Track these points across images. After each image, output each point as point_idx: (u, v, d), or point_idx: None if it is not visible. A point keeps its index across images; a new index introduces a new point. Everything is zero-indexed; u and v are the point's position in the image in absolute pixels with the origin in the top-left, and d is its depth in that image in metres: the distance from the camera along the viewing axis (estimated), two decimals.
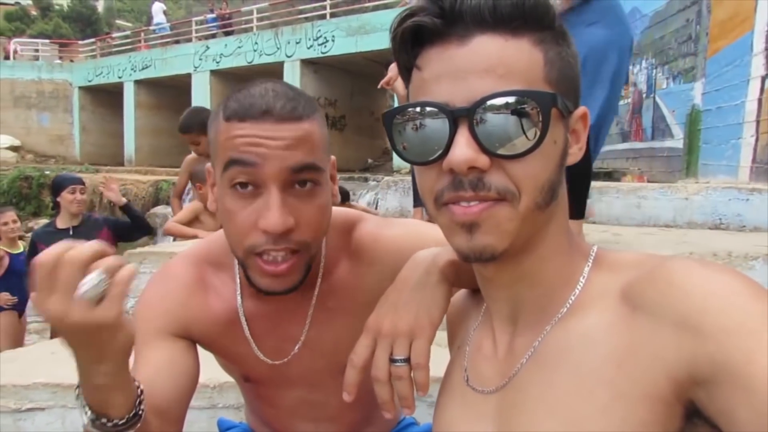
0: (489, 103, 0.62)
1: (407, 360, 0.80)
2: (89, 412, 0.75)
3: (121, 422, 0.76)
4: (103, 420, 0.75)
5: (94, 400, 0.74)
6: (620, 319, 0.63)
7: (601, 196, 3.40)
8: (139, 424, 0.78)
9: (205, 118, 3.71)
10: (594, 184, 3.59)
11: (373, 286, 0.88)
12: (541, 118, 0.63)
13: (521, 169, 0.64)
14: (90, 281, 0.65)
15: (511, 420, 0.68)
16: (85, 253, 0.65)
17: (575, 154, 0.70)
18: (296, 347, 1.05)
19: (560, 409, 0.63)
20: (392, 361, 0.80)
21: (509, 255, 0.67)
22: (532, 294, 0.71)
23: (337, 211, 1.10)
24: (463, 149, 0.63)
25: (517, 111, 0.63)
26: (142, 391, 0.79)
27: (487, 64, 0.63)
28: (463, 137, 0.63)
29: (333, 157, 0.99)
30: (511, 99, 0.63)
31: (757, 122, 4.02)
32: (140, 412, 0.78)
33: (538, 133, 0.63)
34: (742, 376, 0.52)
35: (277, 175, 0.86)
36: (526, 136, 0.63)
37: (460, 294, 0.91)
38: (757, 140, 4.02)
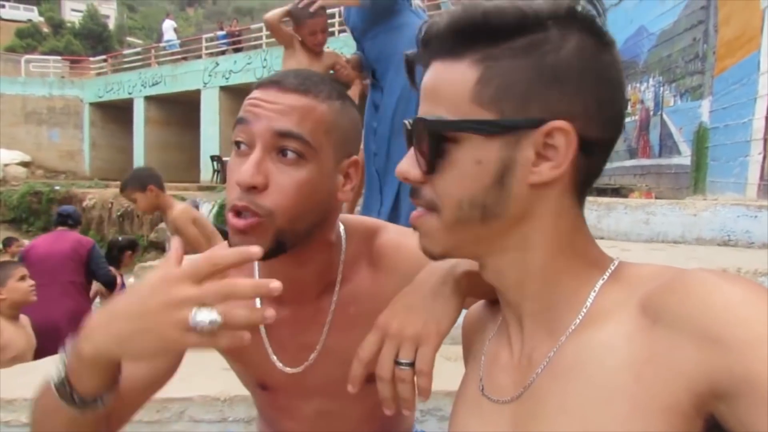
0: (410, 126, 0.71)
1: (412, 364, 0.81)
2: (61, 372, 0.79)
3: (77, 399, 0.79)
4: (68, 388, 0.79)
5: (73, 366, 0.78)
6: (639, 330, 0.62)
7: (609, 212, 3.39)
8: (89, 411, 0.80)
9: (141, 176, 3.94)
10: (602, 200, 3.59)
11: (393, 294, 0.89)
12: (430, 143, 0.69)
13: (440, 186, 0.70)
14: (202, 314, 0.67)
15: (526, 429, 0.68)
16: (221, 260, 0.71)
17: (543, 173, 0.66)
18: (313, 355, 1.05)
19: (577, 420, 0.63)
20: (397, 363, 0.82)
21: (484, 266, 0.74)
22: (537, 309, 0.72)
23: (359, 218, 1.13)
24: (403, 162, 0.72)
25: (418, 135, 0.70)
26: (115, 388, 0.82)
27: (426, 89, 0.71)
28: (411, 152, 0.72)
29: (356, 157, 0.99)
30: (414, 123, 0.70)
31: (765, 140, 4.02)
32: (100, 404, 0.80)
33: (433, 157, 0.69)
34: (763, 388, 0.52)
35: (263, 135, 0.90)
36: (427, 158, 0.70)
37: (477, 306, 0.92)
38: (764, 158, 4.01)
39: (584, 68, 0.66)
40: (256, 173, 0.89)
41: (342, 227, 1.06)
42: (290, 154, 0.91)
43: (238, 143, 0.93)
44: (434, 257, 0.75)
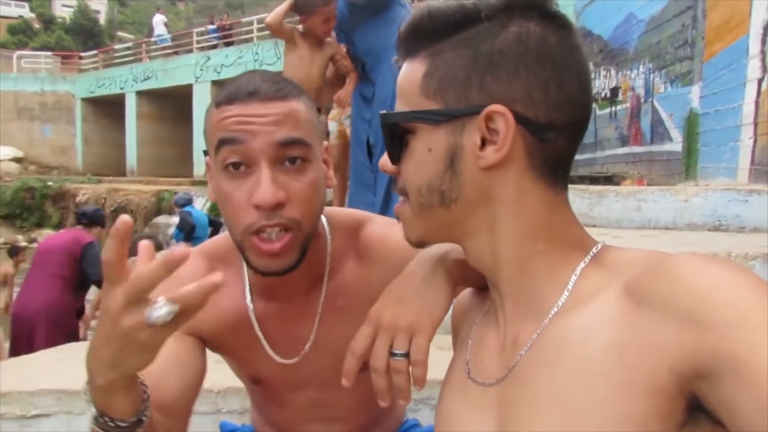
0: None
1: (406, 354, 0.81)
2: (94, 410, 0.76)
3: (123, 424, 0.76)
4: (106, 419, 0.75)
5: (99, 399, 0.75)
6: (624, 312, 0.63)
7: (600, 199, 3.40)
8: (140, 429, 0.77)
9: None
10: (593, 188, 3.60)
11: (380, 285, 0.89)
12: (391, 135, 0.74)
13: (404, 174, 0.75)
14: (158, 310, 0.66)
15: (510, 411, 0.69)
16: (153, 277, 0.65)
17: (489, 157, 0.68)
18: (306, 347, 1.06)
19: (560, 401, 0.64)
20: (392, 354, 0.82)
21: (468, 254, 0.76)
22: (514, 291, 0.73)
23: (344, 211, 1.13)
24: (383, 155, 0.77)
25: (383, 128, 0.74)
26: (148, 397, 0.79)
27: (396, 88, 0.76)
28: None
29: (327, 143, 1.01)
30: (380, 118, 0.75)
31: (755, 124, 4.03)
32: (144, 418, 0.77)
33: (394, 147, 0.75)
34: (746, 369, 0.53)
35: (266, 150, 0.89)
36: (390, 149, 0.75)
37: (465, 293, 0.93)
38: (755, 142, 4.03)
39: (524, 53, 0.68)
40: (277, 190, 0.88)
41: (324, 219, 1.06)
42: (296, 161, 0.91)
43: (234, 165, 0.90)
44: (413, 244, 0.79)
